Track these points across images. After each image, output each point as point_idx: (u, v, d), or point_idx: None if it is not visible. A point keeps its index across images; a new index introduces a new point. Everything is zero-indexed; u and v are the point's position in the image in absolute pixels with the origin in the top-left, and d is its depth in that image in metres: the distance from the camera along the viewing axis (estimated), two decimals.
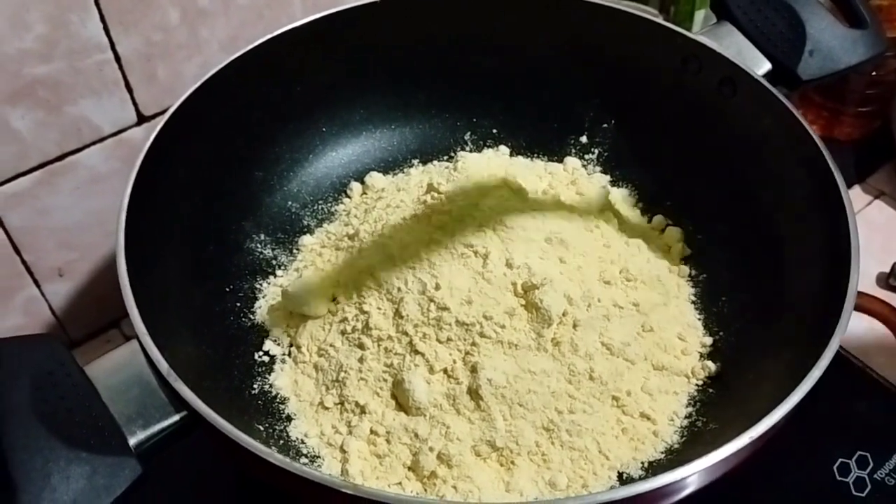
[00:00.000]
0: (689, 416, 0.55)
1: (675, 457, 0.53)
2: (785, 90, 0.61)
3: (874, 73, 0.84)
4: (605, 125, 0.71)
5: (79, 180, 0.67)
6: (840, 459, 0.60)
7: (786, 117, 0.57)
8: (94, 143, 0.66)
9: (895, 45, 0.82)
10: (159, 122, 0.58)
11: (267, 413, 0.56)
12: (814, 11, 0.62)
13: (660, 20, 0.66)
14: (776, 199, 0.60)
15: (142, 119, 0.67)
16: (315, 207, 0.70)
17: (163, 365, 0.43)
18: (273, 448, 0.44)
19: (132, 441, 0.42)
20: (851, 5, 0.64)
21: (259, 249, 0.66)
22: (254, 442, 0.41)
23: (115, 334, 0.76)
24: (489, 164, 0.66)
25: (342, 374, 0.56)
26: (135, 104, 0.66)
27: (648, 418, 0.55)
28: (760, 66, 0.62)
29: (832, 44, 0.62)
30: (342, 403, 0.55)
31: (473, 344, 0.54)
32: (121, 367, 0.45)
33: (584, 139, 0.72)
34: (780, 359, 0.53)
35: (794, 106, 0.85)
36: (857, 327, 0.73)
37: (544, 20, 0.69)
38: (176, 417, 0.44)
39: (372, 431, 0.53)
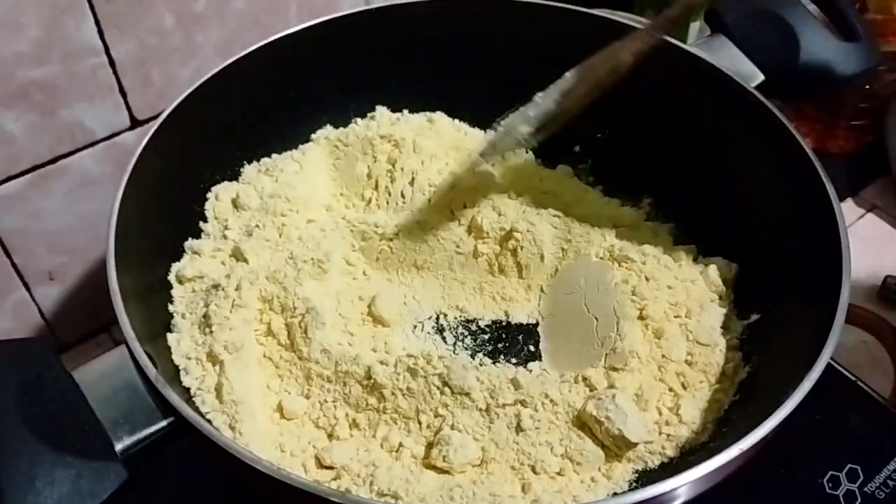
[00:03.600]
0: None
1: (670, 467, 0.52)
2: (778, 102, 0.61)
3: (868, 87, 0.85)
4: (599, 135, 0.71)
5: (71, 184, 0.67)
6: (830, 472, 0.60)
7: (778, 129, 0.57)
8: (86, 146, 0.66)
9: (890, 59, 0.83)
10: (152, 127, 0.58)
11: None
12: (807, 24, 0.62)
13: None
14: (769, 212, 0.60)
15: (135, 123, 0.67)
16: None
17: (151, 370, 0.43)
18: None
19: (118, 446, 0.42)
20: (845, 18, 0.64)
21: None
22: (241, 448, 0.41)
23: (105, 339, 0.75)
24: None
25: None
26: (128, 108, 0.66)
27: None
28: (754, 78, 0.62)
29: (826, 56, 0.62)
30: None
31: None
32: (109, 371, 0.45)
33: (577, 149, 0.72)
34: (772, 371, 0.53)
35: (788, 118, 0.86)
36: (848, 340, 0.73)
37: (538, 29, 0.69)
38: (163, 423, 0.43)
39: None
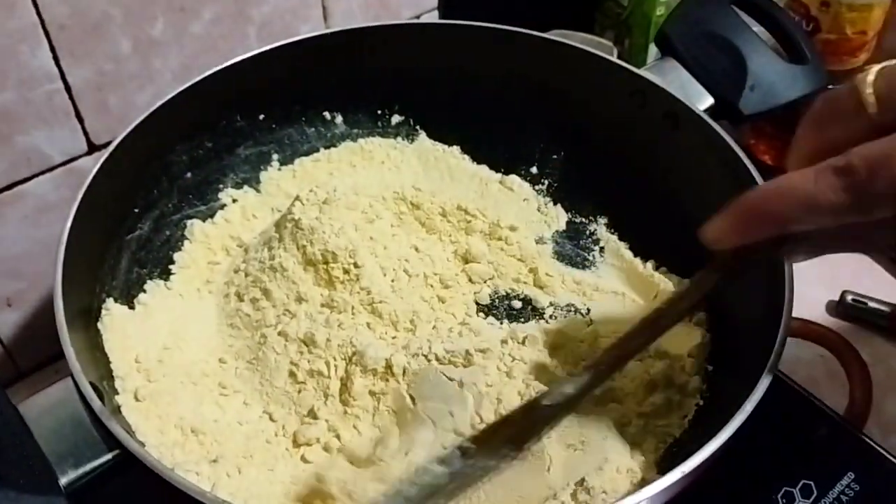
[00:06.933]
0: None
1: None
2: (728, 124, 0.62)
3: None
4: (555, 156, 0.72)
5: (28, 210, 0.66)
6: (784, 488, 0.60)
7: (725, 151, 0.58)
8: (43, 172, 0.66)
9: (844, 78, 0.84)
10: (105, 152, 0.58)
11: None
12: (756, 48, 0.63)
13: (613, 57, 0.67)
14: None
15: (93, 148, 0.67)
16: None
17: (96, 403, 0.43)
18: None
19: (63, 480, 0.42)
20: (793, 41, 0.65)
21: None
22: (187, 482, 0.41)
23: (65, 364, 0.75)
24: None
25: None
26: (86, 134, 0.66)
27: None
28: (703, 100, 0.63)
29: (773, 79, 0.63)
30: None
31: None
32: (56, 404, 0.45)
33: (534, 170, 0.72)
34: (720, 397, 0.53)
35: (747, 136, 0.87)
36: (806, 354, 0.73)
37: (496, 54, 0.70)
38: (108, 456, 0.43)
39: None
